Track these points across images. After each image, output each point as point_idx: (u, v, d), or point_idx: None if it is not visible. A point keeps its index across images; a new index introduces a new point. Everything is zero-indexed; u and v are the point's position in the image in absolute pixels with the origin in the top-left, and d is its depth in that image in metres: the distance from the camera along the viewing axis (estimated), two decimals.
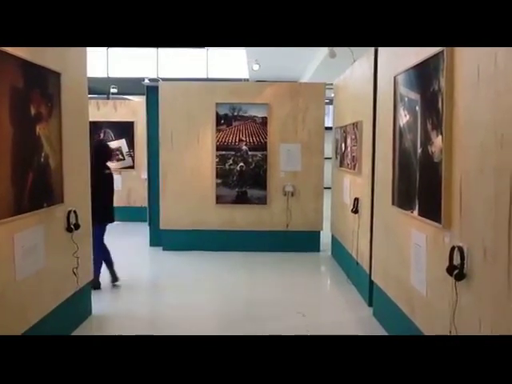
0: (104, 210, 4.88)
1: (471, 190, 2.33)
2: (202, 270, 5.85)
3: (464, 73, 2.40)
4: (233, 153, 6.54)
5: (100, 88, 13.40)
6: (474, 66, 2.29)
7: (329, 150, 6.61)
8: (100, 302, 4.41)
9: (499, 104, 2.06)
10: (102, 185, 4.82)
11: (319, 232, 6.73)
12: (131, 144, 9.00)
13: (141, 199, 8.73)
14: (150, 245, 6.99)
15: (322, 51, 9.82)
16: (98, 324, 4.05)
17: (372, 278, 4.24)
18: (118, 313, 4.34)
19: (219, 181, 6.56)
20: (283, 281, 5.41)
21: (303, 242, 6.65)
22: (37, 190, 3.15)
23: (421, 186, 2.96)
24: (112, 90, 13.15)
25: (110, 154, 5.65)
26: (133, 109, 9.08)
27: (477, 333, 2.25)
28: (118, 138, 9.00)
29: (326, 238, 6.70)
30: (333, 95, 6.69)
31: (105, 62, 16.25)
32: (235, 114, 6.50)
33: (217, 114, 6.49)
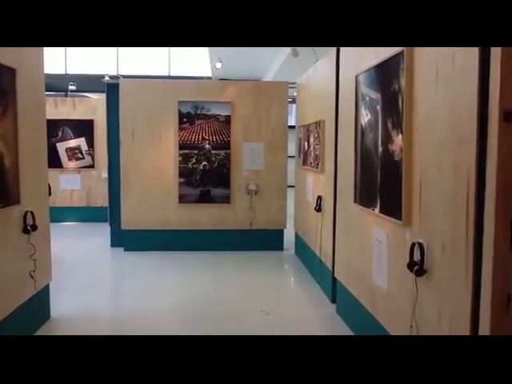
0: None
1: (430, 188, 2.39)
2: (164, 270, 5.77)
3: (423, 73, 2.46)
4: (196, 151, 6.49)
5: (58, 85, 13.06)
6: (432, 66, 2.34)
7: (292, 148, 6.65)
8: (59, 305, 4.27)
9: (457, 103, 2.12)
10: None
11: (283, 230, 6.76)
12: (91, 143, 8.79)
13: (101, 199, 8.55)
14: (111, 245, 6.84)
15: (285, 50, 9.88)
16: (57, 327, 3.93)
17: (335, 276, 4.29)
18: (78, 315, 4.22)
19: (182, 180, 6.49)
20: (247, 279, 5.41)
21: (267, 240, 6.67)
22: None
23: (382, 183, 3.02)
24: (71, 88, 12.84)
25: None
26: (92, 107, 8.87)
27: (436, 325, 2.31)
28: (76, 136, 8.77)
29: (289, 237, 6.74)
30: (296, 94, 6.73)
31: (63, 58, 15.81)
32: (198, 112, 6.45)
33: (179, 112, 6.42)
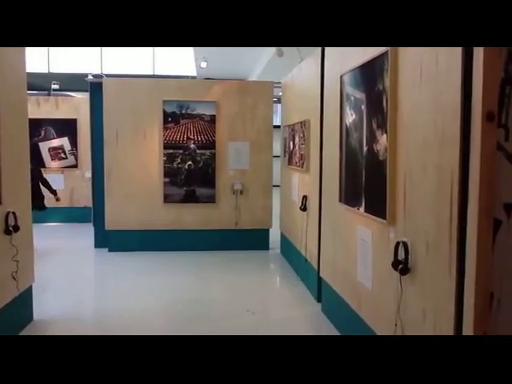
0: None
1: (414, 187, 2.41)
2: (149, 270, 5.73)
3: (407, 73, 2.48)
4: (181, 151, 6.46)
5: (40, 84, 12.87)
6: (416, 67, 2.36)
7: (277, 148, 6.66)
8: (42, 307, 4.22)
9: (440, 103, 2.14)
10: None
11: (268, 230, 6.77)
12: (74, 142, 8.71)
13: (85, 199, 8.46)
14: (95, 246, 6.77)
15: (270, 50, 9.88)
16: (40, 330, 3.87)
17: (320, 275, 4.31)
18: (62, 317, 4.16)
19: (167, 179, 6.46)
20: (232, 279, 5.40)
21: (252, 240, 6.67)
22: None
23: (367, 183, 3.03)
24: (53, 86, 12.66)
25: None
26: (76, 106, 8.79)
27: (420, 323, 2.33)
28: (59, 136, 8.68)
29: (275, 236, 6.74)
30: (281, 94, 6.74)
31: (46, 56, 15.61)
32: (183, 111, 6.42)
33: (164, 111, 6.38)
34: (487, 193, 1.79)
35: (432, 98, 2.21)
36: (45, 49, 15.38)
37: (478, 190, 1.80)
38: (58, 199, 7.19)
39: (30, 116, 4.08)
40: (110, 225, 6.46)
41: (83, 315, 4.31)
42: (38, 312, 4.09)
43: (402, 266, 2.45)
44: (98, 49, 15.61)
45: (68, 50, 15.22)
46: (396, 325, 2.56)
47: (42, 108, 8.65)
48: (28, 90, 3.99)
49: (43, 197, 6.84)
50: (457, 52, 1.98)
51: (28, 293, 3.97)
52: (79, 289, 5.07)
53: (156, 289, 5.04)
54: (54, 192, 7.05)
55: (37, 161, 7.55)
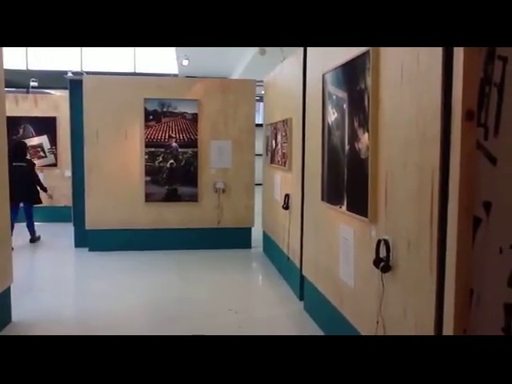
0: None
1: (396, 185, 2.43)
2: (130, 270, 5.68)
3: (389, 72, 2.50)
4: (162, 150, 6.41)
5: (19, 81, 12.65)
6: (397, 66, 2.38)
7: (260, 146, 6.66)
8: (21, 308, 4.14)
9: (421, 102, 2.16)
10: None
11: (250, 228, 6.76)
12: (53, 140, 8.57)
13: (65, 198, 8.32)
14: (76, 246, 6.68)
15: (252, 48, 9.88)
16: (18, 331, 3.80)
17: (303, 273, 4.32)
18: (42, 318, 4.09)
19: (148, 178, 6.40)
20: (215, 278, 5.38)
21: (235, 238, 6.66)
22: None
23: (349, 181, 3.05)
24: (32, 84, 12.46)
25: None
26: (55, 103, 8.65)
27: (402, 320, 2.35)
28: (39, 134, 8.54)
29: (257, 235, 6.75)
30: (263, 92, 6.73)
31: (24, 53, 15.33)
32: (164, 109, 6.37)
33: (145, 109, 6.32)
34: (467, 191, 1.81)
35: (413, 98, 2.23)
36: None
37: (458, 189, 1.82)
38: (50, 196, 7.55)
39: (8, 114, 4.01)
40: (90, 224, 6.38)
41: (63, 316, 4.24)
42: (16, 313, 4.01)
43: (383, 263, 2.47)
44: None
45: (47, 47, 14.98)
46: (378, 322, 2.58)
47: (21, 106, 8.50)
48: (6, 87, 3.91)
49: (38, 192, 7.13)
50: (437, 52, 2.00)
51: (6, 294, 3.90)
52: (59, 289, 5.00)
53: (137, 288, 4.99)
54: (44, 189, 7.17)
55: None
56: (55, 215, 8.39)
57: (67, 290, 5.12)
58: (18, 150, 6.86)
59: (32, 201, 7.04)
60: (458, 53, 1.82)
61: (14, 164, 6.29)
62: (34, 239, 7.20)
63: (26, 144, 7.31)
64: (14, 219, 6.33)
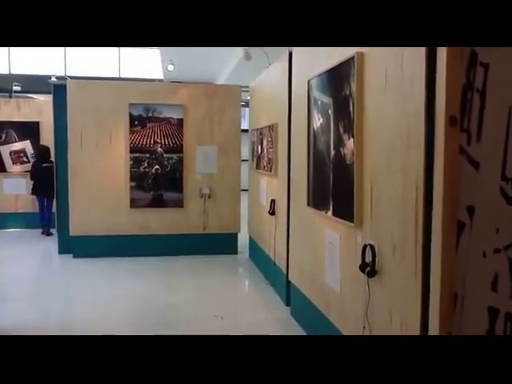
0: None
1: (381, 191, 2.45)
2: (115, 276, 5.62)
3: (373, 78, 2.52)
4: (148, 155, 6.37)
5: (1, 85, 12.51)
6: (382, 72, 2.40)
7: (245, 152, 6.66)
8: (2, 318, 4.06)
9: (405, 108, 2.18)
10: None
11: (236, 234, 6.75)
12: (37, 146, 8.47)
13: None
14: (59, 252, 6.59)
15: (238, 53, 9.90)
16: None
17: (289, 278, 4.32)
18: (24, 328, 4.00)
19: (133, 184, 6.35)
20: (201, 284, 5.35)
21: (221, 244, 6.63)
22: None
23: (334, 187, 3.06)
24: (15, 88, 12.33)
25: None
26: (38, 108, 8.56)
27: (387, 324, 2.36)
28: (21, 139, 8.43)
29: (243, 240, 6.73)
30: (249, 98, 6.75)
31: (6, 57, 15.15)
32: (150, 115, 6.34)
33: (130, 114, 6.28)
34: (451, 196, 1.83)
35: (397, 103, 2.26)
36: (5, 49, 14.93)
37: (442, 193, 1.84)
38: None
39: None
40: (74, 230, 6.31)
41: (46, 324, 4.17)
42: None
43: (369, 268, 2.48)
44: (61, 50, 15.24)
45: (30, 51, 14.81)
46: (364, 327, 2.59)
47: (3, 110, 8.39)
48: None
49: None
50: (421, 59, 2.03)
51: None
52: (42, 297, 4.92)
53: (122, 295, 4.94)
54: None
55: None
56: (38, 222, 8.25)
57: (51, 297, 5.02)
58: (45, 153, 7.86)
59: (53, 196, 7.20)
60: (441, 60, 1.84)
61: (43, 165, 7.66)
62: (49, 232, 7.86)
63: (49, 148, 7.82)
64: (46, 209, 7.92)
